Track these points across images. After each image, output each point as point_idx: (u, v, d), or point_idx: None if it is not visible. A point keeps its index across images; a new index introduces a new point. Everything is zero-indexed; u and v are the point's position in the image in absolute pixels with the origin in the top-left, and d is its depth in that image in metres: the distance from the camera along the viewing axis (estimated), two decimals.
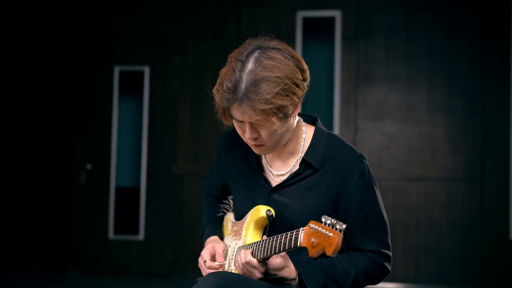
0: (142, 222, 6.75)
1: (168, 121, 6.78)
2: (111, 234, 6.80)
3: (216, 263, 2.10)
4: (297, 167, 2.03)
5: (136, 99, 6.87)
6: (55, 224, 7.03)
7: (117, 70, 6.87)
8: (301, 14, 6.54)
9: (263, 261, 1.94)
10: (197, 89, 6.73)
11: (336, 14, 6.49)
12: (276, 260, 1.92)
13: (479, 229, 6.16)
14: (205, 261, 2.13)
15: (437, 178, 6.22)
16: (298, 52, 3.61)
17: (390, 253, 2.03)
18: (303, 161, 2.01)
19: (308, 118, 2.13)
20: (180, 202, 6.70)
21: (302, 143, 2.04)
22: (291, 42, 6.37)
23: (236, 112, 1.86)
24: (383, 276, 2.04)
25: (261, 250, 1.92)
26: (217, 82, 1.91)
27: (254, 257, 1.94)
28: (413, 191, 6.16)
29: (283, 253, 1.92)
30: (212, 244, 2.17)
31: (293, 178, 2.02)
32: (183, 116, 6.75)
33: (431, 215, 6.15)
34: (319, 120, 2.11)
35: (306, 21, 6.52)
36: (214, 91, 1.91)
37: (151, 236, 6.75)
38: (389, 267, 2.04)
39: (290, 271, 1.95)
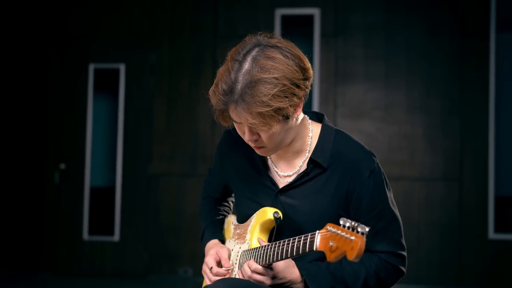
0: (117, 223, 6.66)
1: (144, 119, 6.68)
2: (85, 235, 6.69)
3: (223, 268, 2.01)
4: (304, 167, 1.95)
5: (111, 97, 6.78)
6: (28, 224, 6.87)
7: (91, 67, 6.77)
8: (279, 12, 6.49)
9: (268, 266, 1.86)
10: (173, 87, 6.66)
11: (315, 12, 6.45)
12: (279, 264, 1.85)
13: (458, 228, 6.16)
14: (211, 268, 2.02)
15: (415, 177, 6.20)
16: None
17: (404, 253, 1.95)
18: (311, 161, 1.93)
19: (314, 115, 2.04)
20: (156, 202, 6.61)
21: (309, 142, 1.95)
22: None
23: (233, 115, 1.79)
24: (397, 278, 1.96)
25: (269, 255, 1.82)
26: (214, 83, 1.82)
27: (262, 262, 1.85)
28: (392, 190, 6.07)
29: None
30: (215, 249, 2.07)
31: (301, 179, 1.94)
32: (159, 115, 6.66)
33: (409, 214, 6.13)
34: (325, 117, 2.02)
35: (285, 19, 6.48)
36: (210, 92, 1.83)
37: (126, 237, 6.65)
38: (403, 269, 1.95)
39: (294, 274, 1.88)
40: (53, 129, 6.81)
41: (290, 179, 1.96)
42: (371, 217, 1.89)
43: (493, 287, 6.11)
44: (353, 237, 1.47)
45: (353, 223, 1.50)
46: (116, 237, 6.65)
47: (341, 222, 1.53)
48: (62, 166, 6.70)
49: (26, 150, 6.95)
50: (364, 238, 1.46)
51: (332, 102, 6.37)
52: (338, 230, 1.54)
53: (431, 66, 6.30)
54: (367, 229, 1.47)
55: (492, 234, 6.09)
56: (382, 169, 1.94)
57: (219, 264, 2.04)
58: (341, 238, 1.52)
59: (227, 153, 2.13)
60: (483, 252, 6.11)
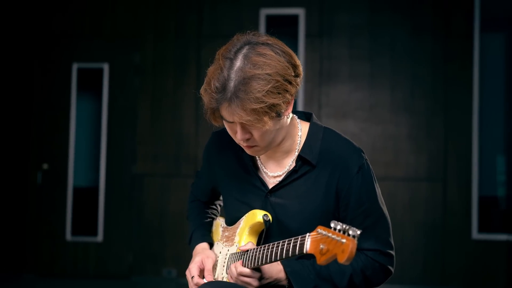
0: (100, 223, 6.61)
1: (127, 119, 6.64)
2: (68, 236, 6.64)
3: (204, 280, 1.98)
4: (293, 166, 1.94)
5: (95, 97, 6.73)
6: (10, 225, 6.80)
7: (75, 67, 6.72)
8: (264, 12, 6.48)
9: (256, 268, 1.84)
10: (157, 87, 6.62)
11: (300, 12, 6.45)
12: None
13: (442, 228, 6.18)
14: (192, 276, 2.00)
15: (400, 178, 6.22)
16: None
17: (392, 252, 1.93)
18: (299, 158, 1.92)
19: (303, 115, 2.03)
20: (140, 202, 6.58)
21: (298, 141, 1.94)
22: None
23: (225, 113, 1.76)
24: (385, 277, 1.94)
25: (258, 257, 1.80)
26: (205, 81, 1.80)
27: (250, 265, 1.83)
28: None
29: None
30: (202, 257, 2.04)
31: (290, 177, 1.93)
32: (143, 115, 6.62)
33: (394, 214, 6.13)
34: (314, 115, 2.01)
35: (269, 19, 6.47)
36: (202, 91, 1.80)
37: (110, 237, 6.61)
38: (391, 268, 1.94)
39: (280, 272, 1.87)
40: (36, 129, 6.75)
41: (279, 179, 1.95)
42: (358, 213, 1.88)
43: (477, 286, 6.13)
44: (344, 240, 1.46)
45: (344, 226, 1.48)
46: (100, 237, 6.60)
47: (332, 225, 1.51)
48: (45, 166, 6.64)
49: (9, 150, 6.87)
50: (355, 241, 1.44)
51: (317, 102, 6.37)
52: (329, 233, 1.52)
53: (415, 66, 6.32)
54: (358, 232, 1.44)
55: (475, 234, 6.12)
56: (370, 166, 1.93)
57: (202, 272, 2.02)
58: (331, 240, 1.50)
59: (215, 155, 2.10)
60: (466, 252, 6.13)
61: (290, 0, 6.53)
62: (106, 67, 6.68)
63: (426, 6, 6.36)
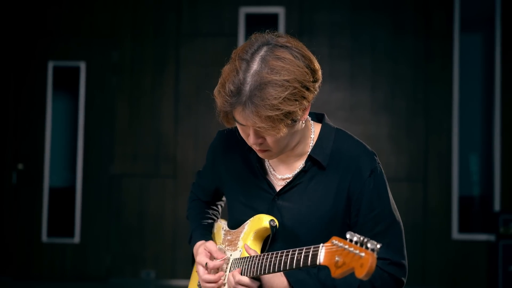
0: (77, 224, 6.53)
1: (105, 119, 6.56)
2: (44, 237, 6.55)
3: (218, 260, 1.88)
4: (303, 166, 1.85)
5: (72, 96, 6.65)
6: None
7: (51, 65, 6.63)
8: (243, 10, 6.43)
9: (255, 277, 1.75)
10: (135, 86, 6.55)
11: (280, 10, 6.41)
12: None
13: (422, 228, 6.18)
14: (205, 264, 1.89)
15: None
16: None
17: (404, 262, 1.83)
18: (310, 158, 1.83)
19: (314, 116, 1.94)
20: (118, 203, 6.50)
21: (311, 144, 1.86)
22: (233, 39, 6.26)
23: (239, 117, 1.67)
24: None
25: (265, 266, 1.71)
26: (219, 82, 1.69)
27: (255, 273, 1.74)
28: None
29: None
30: (202, 246, 1.95)
31: (299, 178, 1.84)
32: (121, 114, 6.55)
33: None
34: (326, 116, 1.93)
35: (249, 18, 6.43)
36: (216, 92, 1.70)
37: (87, 238, 6.52)
38: (403, 279, 1.83)
39: (282, 283, 1.77)
40: (11, 128, 6.64)
41: (288, 181, 1.86)
42: (369, 219, 1.79)
43: (457, 286, 6.14)
44: (363, 254, 1.34)
45: (361, 238, 1.36)
46: (77, 239, 6.52)
47: (348, 236, 1.39)
48: (20, 166, 6.54)
49: None
50: (375, 255, 1.33)
51: None
52: (345, 244, 1.40)
53: (396, 66, 6.31)
54: (378, 246, 1.33)
55: (456, 234, 6.12)
56: (383, 170, 1.86)
57: (211, 259, 1.92)
58: (348, 253, 1.39)
59: (221, 155, 2.01)
60: (447, 253, 6.14)
61: None
62: (83, 65, 6.59)
63: (407, 5, 6.35)
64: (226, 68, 1.69)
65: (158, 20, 6.58)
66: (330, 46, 6.38)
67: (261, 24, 6.39)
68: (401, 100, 6.29)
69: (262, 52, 1.66)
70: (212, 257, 1.92)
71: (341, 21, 6.40)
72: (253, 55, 1.66)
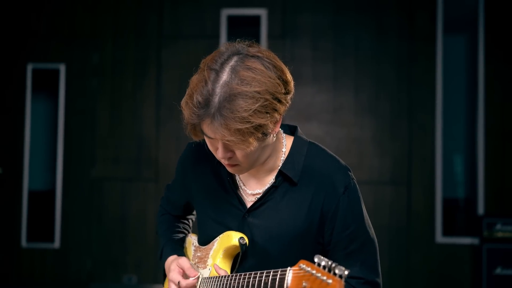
0: (57, 229, 6.45)
1: (86, 121, 6.49)
2: (23, 242, 6.47)
3: (190, 279, 1.82)
4: (274, 182, 1.79)
5: (51, 98, 6.55)
6: None
7: (30, 67, 6.54)
8: (225, 12, 6.38)
9: None
10: (117, 89, 6.48)
11: (262, 12, 6.36)
12: None
13: (406, 232, 6.15)
14: (178, 282, 1.84)
15: (364, 181, 6.16)
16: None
17: (378, 280, 1.80)
18: (280, 173, 1.76)
19: (287, 128, 1.88)
20: (99, 207, 6.42)
21: (282, 158, 1.79)
22: (215, 41, 6.20)
23: (207, 130, 1.59)
24: None
25: (232, 287, 1.66)
26: (187, 93, 1.62)
27: None
28: None
29: None
30: (175, 262, 1.89)
31: (269, 194, 1.77)
32: (102, 117, 6.47)
33: None
34: (299, 129, 1.87)
35: (231, 19, 6.38)
36: (183, 104, 1.62)
37: (68, 243, 6.45)
38: None
39: None
40: None
41: (258, 197, 1.80)
42: (343, 237, 1.74)
43: None
44: (330, 280, 1.28)
45: (329, 263, 1.30)
46: (57, 243, 6.44)
47: (316, 260, 1.33)
48: None
49: None
50: (342, 282, 1.27)
51: None
52: (313, 269, 1.34)
53: (379, 68, 6.28)
54: (346, 272, 1.27)
55: (440, 238, 6.10)
56: (357, 186, 1.80)
57: (184, 276, 1.87)
58: (316, 279, 1.32)
59: (190, 169, 1.94)
60: (431, 256, 6.12)
61: (252, 0, 6.43)
62: (62, 67, 6.50)
63: (390, 7, 6.33)
64: (194, 78, 1.62)
65: (139, 22, 6.51)
66: (313, 48, 6.34)
67: (243, 26, 6.36)
68: (384, 102, 6.26)
69: (232, 62, 1.59)
70: (184, 274, 1.86)
71: (324, 22, 6.36)
72: (222, 65, 1.59)
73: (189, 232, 2.14)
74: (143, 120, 6.43)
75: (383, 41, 6.29)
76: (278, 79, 1.61)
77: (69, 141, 6.49)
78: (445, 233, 6.11)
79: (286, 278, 1.42)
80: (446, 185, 6.19)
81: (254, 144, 1.59)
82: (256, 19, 6.38)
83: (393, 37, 6.29)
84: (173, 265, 1.89)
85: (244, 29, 6.41)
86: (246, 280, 1.61)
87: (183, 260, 1.87)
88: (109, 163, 6.45)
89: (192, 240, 2.05)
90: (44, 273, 6.45)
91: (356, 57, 6.31)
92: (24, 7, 6.60)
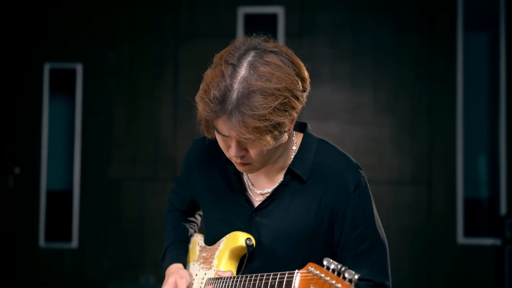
0: (75, 228, 6.45)
1: (103, 121, 6.47)
2: (41, 242, 6.47)
3: None
4: (282, 180, 1.73)
5: (68, 98, 6.54)
6: None
7: (47, 67, 6.55)
8: (242, 11, 6.34)
9: None
10: (134, 88, 6.46)
11: (279, 10, 6.31)
12: None
13: (427, 233, 6.07)
14: None
15: (384, 181, 6.09)
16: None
17: (388, 282, 1.73)
18: (289, 171, 1.71)
19: (297, 125, 1.82)
20: (117, 206, 6.41)
21: (292, 155, 1.73)
22: (232, 39, 6.14)
23: (222, 127, 1.52)
24: None
25: None
26: (201, 87, 1.54)
27: None
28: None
29: None
30: (175, 277, 1.84)
31: (278, 192, 1.72)
32: (119, 116, 6.46)
33: None
34: (308, 126, 1.80)
35: (248, 18, 6.34)
36: (198, 99, 1.54)
37: (85, 243, 6.45)
38: None
39: None
40: (8, 131, 6.57)
41: (267, 196, 1.74)
42: (352, 237, 1.68)
43: None
44: (339, 285, 1.22)
45: (339, 266, 1.25)
46: (75, 243, 6.44)
47: (325, 263, 1.28)
48: (17, 170, 6.46)
49: None
50: (352, 287, 1.22)
51: None
52: (321, 273, 1.29)
53: (399, 67, 6.21)
54: (356, 277, 1.22)
55: (461, 239, 6.02)
56: (368, 184, 1.73)
57: None
58: (324, 283, 1.26)
59: (196, 167, 1.89)
60: (452, 257, 6.04)
61: None
62: (79, 67, 6.49)
63: (409, 5, 6.25)
64: (209, 73, 1.54)
65: (156, 21, 6.49)
66: (331, 46, 6.28)
67: (260, 24, 6.31)
68: (404, 101, 6.19)
69: (249, 57, 1.51)
70: None
71: (342, 21, 6.30)
72: (240, 59, 1.51)
73: (195, 232, 2.09)
74: (160, 119, 6.41)
75: (402, 39, 6.22)
76: (297, 76, 1.54)
77: (86, 141, 6.49)
78: (467, 233, 6.03)
79: (293, 281, 1.38)
80: (467, 185, 6.10)
81: (270, 142, 1.52)
82: (273, 18, 6.33)
83: (412, 35, 6.21)
84: (172, 278, 1.85)
85: (261, 28, 6.34)
86: (252, 282, 1.57)
87: (183, 282, 1.84)
88: (126, 163, 6.44)
89: (198, 240, 2.00)
90: (62, 273, 6.46)
91: (375, 56, 6.24)
92: (41, 7, 6.60)
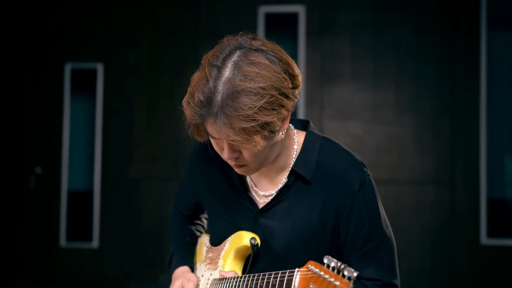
0: (96, 228, 6.46)
1: (123, 121, 6.48)
2: (63, 242, 6.49)
3: None
4: (286, 182, 1.71)
5: (89, 98, 6.56)
6: (3, 232, 6.63)
7: (68, 67, 6.56)
8: (263, 10, 6.31)
9: None
10: (154, 88, 6.46)
11: (300, 9, 6.27)
12: None
13: (449, 233, 6.00)
14: None
15: (405, 181, 6.03)
16: None
17: (396, 282, 1.69)
18: (292, 172, 1.68)
19: (299, 123, 1.79)
20: (137, 206, 6.41)
21: (294, 155, 1.71)
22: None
23: (211, 129, 1.51)
24: None
25: None
26: (188, 91, 1.54)
27: None
28: (381, 194, 5.86)
29: None
30: (182, 281, 1.84)
31: (282, 194, 1.70)
32: (140, 116, 6.46)
33: (399, 219, 5.97)
34: (311, 124, 1.78)
35: (269, 17, 6.31)
36: (184, 103, 1.54)
37: (106, 243, 6.46)
38: None
39: None
40: (29, 131, 6.61)
41: (271, 198, 1.72)
42: (358, 237, 1.65)
43: None
44: (337, 282, 1.22)
45: (338, 264, 1.25)
46: (95, 243, 6.45)
47: (325, 261, 1.28)
48: (38, 170, 6.49)
49: (1, 154, 6.70)
50: (350, 285, 1.21)
51: (318, 103, 6.19)
52: (321, 270, 1.29)
53: (421, 66, 6.15)
54: (355, 274, 1.21)
55: (484, 239, 5.94)
56: (373, 182, 1.70)
57: None
58: (323, 281, 1.27)
59: (199, 169, 1.87)
60: (475, 258, 5.96)
61: None
62: (100, 67, 6.51)
63: (431, 3, 6.19)
64: (195, 76, 1.53)
65: (176, 21, 6.49)
66: (352, 45, 6.23)
67: (281, 23, 6.28)
68: (426, 100, 6.12)
69: (234, 57, 1.49)
70: None
71: (364, 19, 6.24)
72: (224, 60, 1.49)
73: (202, 233, 2.08)
74: (180, 119, 6.37)
75: (424, 38, 6.15)
76: (284, 73, 1.51)
77: (106, 140, 6.51)
78: (490, 234, 5.95)
79: (293, 279, 1.38)
80: (491, 185, 6.02)
81: (261, 143, 1.49)
82: (294, 16, 6.29)
83: (435, 33, 6.15)
84: (178, 281, 1.85)
85: (281, 27, 6.33)
86: (254, 281, 1.56)
87: (189, 285, 1.83)
88: (146, 163, 6.44)
89: (204, 240, 1.99)
90: (83, 273, 6.48)
91: (397, 54, 6.18)
92: (62, 7, 6.63)
